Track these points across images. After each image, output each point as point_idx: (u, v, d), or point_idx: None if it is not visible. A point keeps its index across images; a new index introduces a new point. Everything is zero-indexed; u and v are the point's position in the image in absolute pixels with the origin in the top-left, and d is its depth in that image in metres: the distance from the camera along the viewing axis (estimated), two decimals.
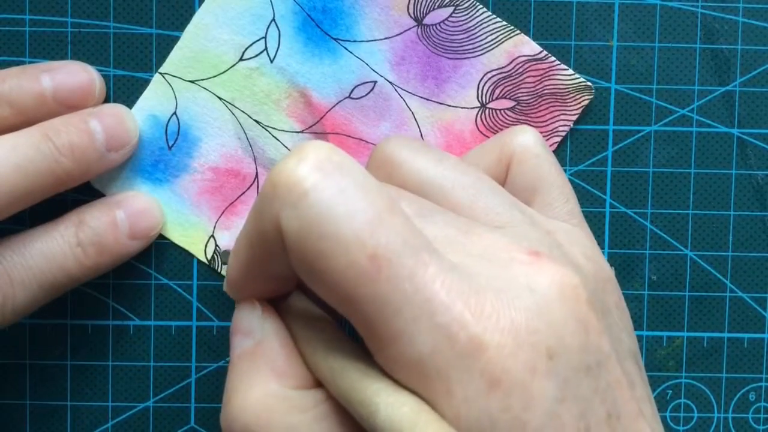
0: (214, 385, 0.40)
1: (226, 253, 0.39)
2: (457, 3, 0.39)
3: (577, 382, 0.26)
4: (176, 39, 0.39)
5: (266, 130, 0.40)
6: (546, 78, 0.39)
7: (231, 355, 0.30)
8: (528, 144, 0.35)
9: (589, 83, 0.39)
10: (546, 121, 0.40)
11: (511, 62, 0.39)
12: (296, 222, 0.25)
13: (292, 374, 0.29)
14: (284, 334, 0.30)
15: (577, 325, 0.26)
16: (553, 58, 0.39)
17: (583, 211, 0.36)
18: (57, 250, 0.36)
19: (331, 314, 0.30)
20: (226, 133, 0.40)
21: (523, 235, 0.29)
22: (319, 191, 0.25)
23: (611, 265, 0.40)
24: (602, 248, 0.40)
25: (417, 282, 0.25)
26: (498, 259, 0.27)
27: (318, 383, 0.29)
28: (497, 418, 0.25)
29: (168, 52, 0.39)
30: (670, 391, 0.41)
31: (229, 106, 0.39)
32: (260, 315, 0.30)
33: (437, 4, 0.39)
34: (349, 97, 0.40)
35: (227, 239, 0.40)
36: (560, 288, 0.27)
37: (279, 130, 0.40)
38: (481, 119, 0.40)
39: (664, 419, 0.41)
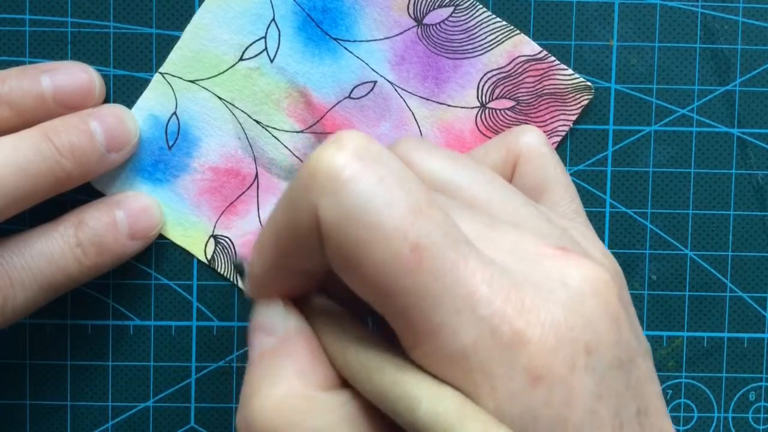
0: (214, 385, 0.40)
1: (242, 263, 0.38)
2: (457, 3, 0.39)
3: (612, 378, 0.26)
4: (176, 39, 0.39)
5: (266, 130, 0.40)
6: (546, 78, 0.39)
7: (250, 354, 0.29)
8: (534, 143, 0.35)
9: (588, 83, 0.39)
10: (546, 120, 0.40)
11: (510, 62, 0.39)
12: (336, 211, 0.25)
13: (317, 374, 0.28)
14: (308, 332, 0.29)
15: (610, 320, 0.26)
16: (552, 58, 0.39)
17: None
18: (57, 250, 0.36)
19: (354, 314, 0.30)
20: (226, 133, 0.40)
21: (544, 231, 0.29)
22: (359, 180, 0.24)
23: None
24: None
25: (459, 274, 0.24)
26: (528, 254, 0.27)
27: (343, 384, 0.28)
28: (539, 413, 0.24)
29: (168, 52, 0.39)
30: (670, 391, 0.41)
31: (229, 106, 0.39)
32: (283, 312, 0.29)
33: (437, 4, 0.39)
34: (349, 97, 0.40)
35: (229, 236, 0.40)
36: (593, 283, 0.26)
37: (279, 130, 0.40)
38: (481, 119, 0.40)
39: None
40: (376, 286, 0.25)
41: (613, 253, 0.40)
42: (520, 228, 0.29)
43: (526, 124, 0.39)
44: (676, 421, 0.41)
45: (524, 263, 0.27)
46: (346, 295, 0.27)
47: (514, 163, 0.35)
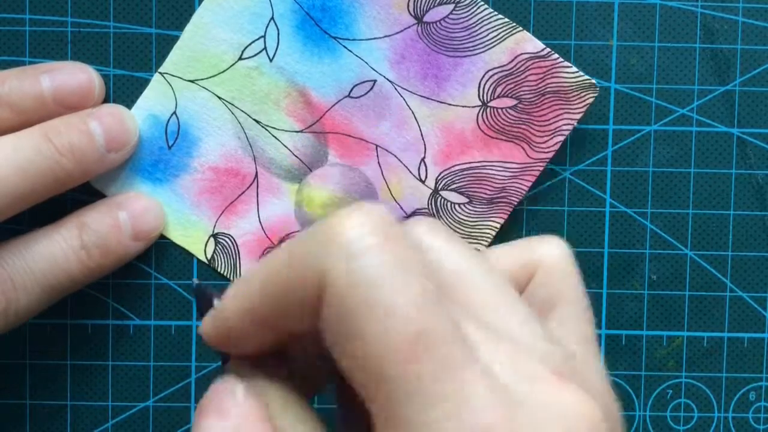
0: None
1: (202, 289, 0.35)
2: (458, 0, 0.39)
3: None
4: (176, 39, 0.39)
5: (266, 129, 0.40)
6: (549, 76, 0.39)
7: None
8: (557, 257, 0.34)
9: (593, 81, 0.39)
10: (549, 119, 0.39)
11: (512, 60, 0.39)
12: (347, 278, 0.24)
13: None
14: (262, 416, 0.27)
15: None
16: (556, 56, 0.39)
17: (583, 211, 0.36)
18: (60, 253, 0.36)
19: (308, 387, 0.28)
20: (226, 132, 0.40)
21: (546, 352, 0.28)
22: (379, 254, 0.24)
23: (611, 266, 0.40)
24: (602, 248, 0.40)
25: (459, 376, 0.23)
26: (524, 374, 0.26)
27: None
28: None
29: (168, 52, 0.39)
30: (670, 391, 0.41)
31: (228, 105, 0.39)
32: (243, 395, 0.27)
33: (437, 1, 0.39)
34: (348, 96, 0.40)
35: (231, 234, 0.40)
36: (589, 420, 0.25)
37: (279, 129, 0.40)
38: (483, 118, 0.40)
39: (664, 419, 0.41)
40: (370, 366, 0.24)
41: (613, 253, 0.40)
42: (521, 345, 0.27)
43: (529, 123, 0.39)
44: (676, 421, 0.41)
45: (522, 383, 0.25)
46: (306, 361, 0.26)
47: (533, 272, 0.34)
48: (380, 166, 0.40)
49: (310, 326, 0.25)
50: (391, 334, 0.23)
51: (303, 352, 0.27)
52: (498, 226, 0.40)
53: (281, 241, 0.41)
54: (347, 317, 0.24)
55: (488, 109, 0.40)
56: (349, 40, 0.39)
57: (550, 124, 0.39)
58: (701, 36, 0.40)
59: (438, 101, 0.40)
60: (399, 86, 0.40)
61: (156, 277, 0.40)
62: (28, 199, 0.35)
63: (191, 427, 0.27)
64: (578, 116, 0.39)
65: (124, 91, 0.39)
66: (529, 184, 0.40)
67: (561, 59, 0.39)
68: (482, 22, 0.39)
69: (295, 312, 0.25)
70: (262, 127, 0.40)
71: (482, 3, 0.39)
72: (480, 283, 0.30)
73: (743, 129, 0.40)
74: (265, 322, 0.27)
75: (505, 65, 0.39)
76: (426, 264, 0.25)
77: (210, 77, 0.39)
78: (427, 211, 0.40)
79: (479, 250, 0.37)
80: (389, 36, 0.39)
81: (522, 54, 0.39)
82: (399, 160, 0.40)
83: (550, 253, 0.34)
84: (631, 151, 0.40)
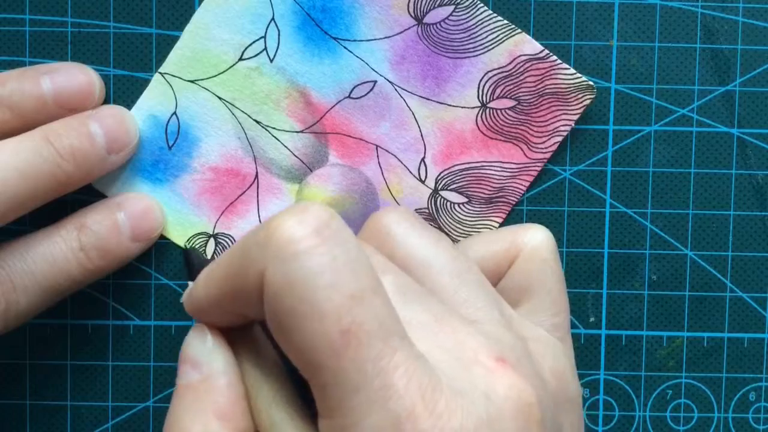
0: None
1: (196, 253, 0.38)
2: (458, 2, 0.39)
3: None
4: (176, 39, 0.39)
5: (266, 129, 0.40)
6: (547, 77, 0.39)
7: (177, 382, 0.30)
8: (538, 245, 0.35)
9: (591, 83, 0.39)
10: (547, 120, 0.40)
11: (512, 61, 0.39)
12: (281, 278, 0.25)
13: (235, 417, 0.29)
14: (232, 374, 0.30)
15: None
16: (554, 57, 0.39)
17: (583, 211, 0.36)
18: (59, 254, 0.36)
19: (284, 358, 0.30)
20: (226, 133, 0.40)
21: (495, 336, 0.29)
22: (311, 255, 0.25)
23: (611, 266, 0.40)
24: (602, 248, 0.40)
25: (380, 366, 0.25)
26: (464, 358, 0.27)
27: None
28: None
29: (168, 52, 0.39)
30: (670, 391, 0.41)
31: (229, 105, 0.39)
32: (211, 347, 0.30)
33: (437, 2, 0.39)
34: (348, 96, 0.40)
35: (232, 235, 0.40)
36: (516, 403, 0.27)
37: (279, 129, 0.40)
38: (482, 119, 0.40)
39: (664, 419, 0.41)
40: (302, 357, 0.26)
41: (613, 253, 0.40)
42: (471, 327, 0.29)
43: (527, 124, 0.39)
44: (676, 421, 0.41)
45: (457, 366, 0.27)
46: None
47: (514, 257, 0.35)
48: (380, 166, 0.40)
49: (259, 313, 0.27)
50: (319, 333, 0.25)
51: None
52: (497, 225, 0.40)
53: None
54: (282, 314, 0.26)
55: (487, 110, 0.40)
56: (349, 41, 0.39)
57: (549, 124, 0.40)
58: (701, 36, 0.40)
59: (438, 102, 0.40)
60: (399, 87, 0.40)
61: (156, 277, 0.40)
62: (29, 203, 0.35)
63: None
64: (576, 117, 0.40)
65: (124, 91, 0.39)
66: (527, 184, 0.40)
67: (559, 61, 0.39)
68: (482, 23, 0.39)
69: (244, 301, 0.28)
70: (263, 127, 0.40)
71: (482, 5, 0.39)
72: (443, 268, 0.32)
73: (743, 129, 0.40)
74: (222, 306, 0.29)
75: (504, 66, 0.39)
76: (363, 258, 0.26)
77: (210, 77, 0.39)
78: (426, 210, 0.40)
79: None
80: (389, 37, 0.39)
81: (521, 56, 0.39)
82: (399, 160, 0.40)
83: (531, 241, 0.35)
84: (631, 151, 0.40)
